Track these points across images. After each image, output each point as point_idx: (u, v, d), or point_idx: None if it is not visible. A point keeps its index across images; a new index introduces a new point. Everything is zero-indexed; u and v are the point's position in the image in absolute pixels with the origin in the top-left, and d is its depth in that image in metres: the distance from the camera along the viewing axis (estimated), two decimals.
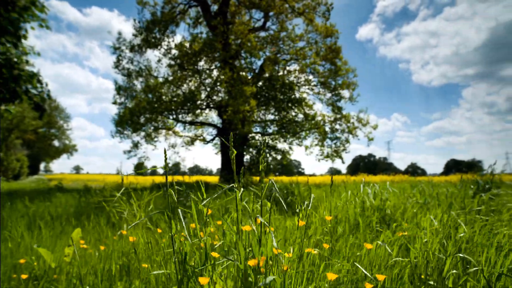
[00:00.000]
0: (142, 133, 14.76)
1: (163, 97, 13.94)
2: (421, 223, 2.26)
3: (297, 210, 1.56)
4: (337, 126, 14.90)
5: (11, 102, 10.22)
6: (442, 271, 1.53)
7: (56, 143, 44.56)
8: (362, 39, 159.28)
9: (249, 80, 13.60)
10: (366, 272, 1.38)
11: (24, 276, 1.80)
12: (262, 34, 15.22)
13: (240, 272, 1.31)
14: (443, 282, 1.50)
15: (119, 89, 14.85)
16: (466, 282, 1.51)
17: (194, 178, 10.80)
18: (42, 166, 59.34)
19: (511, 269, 1.54)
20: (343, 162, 15.46)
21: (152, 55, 41.50)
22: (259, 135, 15.95)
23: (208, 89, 14.33)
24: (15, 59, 9.84)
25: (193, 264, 1.42)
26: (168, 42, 14.57)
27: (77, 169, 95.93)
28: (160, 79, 14.83)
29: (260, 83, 14.99)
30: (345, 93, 15.08)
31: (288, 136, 15.29)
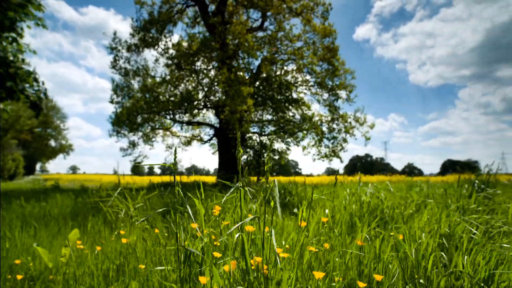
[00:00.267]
0: (140, 133, 14.71)
1: (160, 97, 13.90)
2: (417, 223, 2.27)
3: (295, 211, 1.56)
4: (334, 126, 14.94)
5: (8, 100, 10.16)
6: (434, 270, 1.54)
7: (52, 143, 44.33)
8: (359, 39, 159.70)
9: (247, 80, 13.60)
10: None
11: (19, 277, 1.79)
12: (260, 34, 15.24)
13: (241, 271, 1.30)
14: (433, 281, 1.51)
15: (116, 87, 14.80)
16: (452, 282, 1.52)
17: (192, 178, 10.78)
18: (38, 166, 58.98)
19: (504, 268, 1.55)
20: (341, 161, 15.50)
21: (150, 54, 41.39)
22: (257, 135, 15.96)
23: (206, 89, 14.31)
24: (12, 57, 9.78)
25: (195, 262, 1.42)
26: (166, 41, 14.54)
27: (74, 169, 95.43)
28: (158, 79, 14.80)
29: (258, 83, 14.99)
30: (343, 93, 15.13)
31: (286, 136, 15.31)
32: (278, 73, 15.08)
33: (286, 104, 14.99)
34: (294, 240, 1.64)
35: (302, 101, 15.29)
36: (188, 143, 16.60)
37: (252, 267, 1.34)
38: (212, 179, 16.59)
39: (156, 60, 14.89)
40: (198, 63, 14.35)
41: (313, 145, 15.10)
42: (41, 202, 5.86)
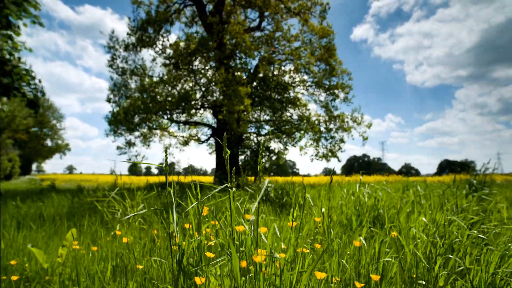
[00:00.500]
0: (137, 133, 14.66)
1: (158, 96, 13.86)
2: (414, 223, 2.27)
3: (292, 211, 1.56)
4: (332, 126, 14.97)
5: (4, 98, 10.11)
6: (432, 270, 1.55)
7: (48, 142, 44.07)
8: (356, 40, 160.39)
9: (244, 80, 13.59)
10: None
11: (15, 278, 1.78)
12: (258, 34, 15.24)
13: (234, 271, 1.30)
14: (434, 282, 1.51)
15: (114, 86, 14.73)
16: (455, 281, 1.53)
17: (189, 178, 10.75)
18: (34, 166, 58.63)
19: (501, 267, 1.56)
20: (339, 161, 15.53)
21: (147, 54, 41.22)
22: (254, 135, 15.95)
23: (203, 89, 14.29)
24: (7, 56, 9.72)
25: (189, 263, 1.41)
26: (163, 41, 14.50)
27: (70, 169, 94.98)
28: (155, 79, 14.75)
29: (255, 83, 14.99)
30: (340, 93, 15.16)
31: (283, 136, 15.32)
32: (275, 73, 15.09)
33: (284, 104, 15.00)
34: (291, 240, 1.64)
35: (300, 101, 15.30)
36: (185, 143, 16.56)
37: (250, 267, 1.34)
38: (209, 179, 16.57)
39: (154, 59, 14.85)
40: (196, 63, 14.33)
41: (310, 145, 15.13)
42: (37, 202, 5.82)
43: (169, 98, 13.81)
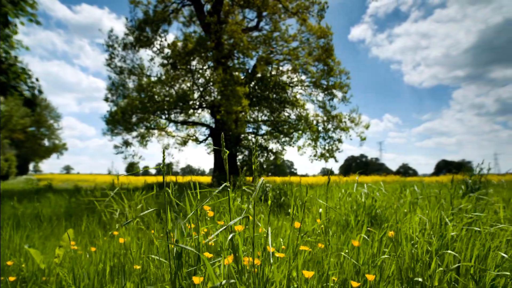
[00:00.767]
0: (134, 133, 14.63)
1: (156, 96, 13.83)
2: (411, 223, 2.29)
3: (290, 211, 1.57)
4: (330, 126, 15.00)
5: (1, 96, 10.07)
6: (428, 268, 1.55)
7: (45, 142, 43.86)
8: (354, 40, 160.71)
9: (242, 80, 13.59)
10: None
11: (12, 278, 1.77)
12: (255, 34, 15.24)
13: (232, 271, 1.30)
14: (430, 279, 1.52)
15: (112, 85, 14.68)
16: (451, 278, 1.53)
17: (187, 178, 10.74)
18: (31, 166, 58.31)
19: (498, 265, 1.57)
20: (336, 161, 15.57)
21: (145, 54, 41.04)
22: (252, 135, 15.95)
23: (201, 89, 14.28)
24: (4, 54, 9.68)
25: (186, 262, 1.41)
26: (161, 41, 14.46)
27: (67, 169, 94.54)
28: (153, 78, 14.71)
29: (253, 83, 14.99)
30: (338, 93, 15.20)
31: (281, 136, 15.33)
32: (273, 73, 15.10)
33: (282, 104, 15.01)
34: (289, 239, 1.65)
35: (298, 101, 15.32)
36: (184, 143, 16.54)
37: (247, 267, 1.34)
38: (207, 179, 16.55)
39: (152, 59, 14.81)
40: (194, 63, 14.30)
41: (308, 145, 15.15)
42: (34, 202, 5.80)
43: (167, 98, 13.79)
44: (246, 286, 1.29)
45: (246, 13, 15.38)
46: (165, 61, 14.28)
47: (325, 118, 15.00)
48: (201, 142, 16.68)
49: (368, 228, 2.25)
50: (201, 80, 14.34)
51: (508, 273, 1.45)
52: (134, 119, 13.90)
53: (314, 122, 14.88)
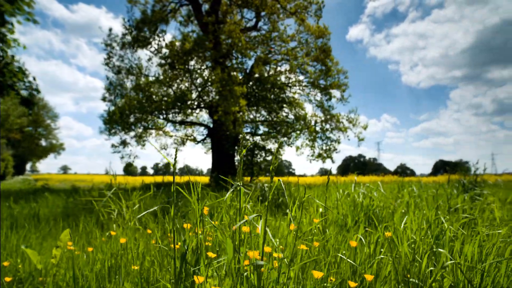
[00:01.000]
0: (132, 133, 14.59)
1: (154, 96, 13.80)
2: (408, 223, 2.30)
3: (288, 211, 1.57)
4: (328, 126, 15.02)
5: None
6: (423, 268, 1.56)
7: (43, 142, 43.64)
8: (352, 40, 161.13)
9: (240, 80, 13.59)
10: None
11: (8, 279, 1.76)
12: (254, 34, 15.24)
13: (233, 271, 1.31)
14: (425, 280, 1.53)
15: (109, 85, 14.63)
16: (443, 277, 1.54)
17: (185, 178, 10.71)
18: (28, 166, 58.02)
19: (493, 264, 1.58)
20: (333, 162, 15.61)
21: (143, 53, 41.00)
22: (250, 135, 15.95)
23: (199, 89, 14.26)
24: (0, 53, 9.63)
25: (187, 262, 1.41)
26: (159, 41, 14.43)
27: (65, 169, 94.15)
28: (151, 78, 14.68)
29: (251, 83, 14.99)
30: (336, 93, 15.23)
31: (279, 136, 15.34)
32: (271, 73, 15.10)
33: (280, 104, 15.02)
34: (288, 240, 1.65)
35: (296, 101, 15.34)
36: (182, 143, 16.52)
37: (245, 268, 1.35)
38: (205, 179, 16.53)
39: (150, 59, 14.78)
40: (192, 63, 14.29)
41: (306, 145, 15.17)
42: (31, 202, 5.77)
43: (165, 98, 13.77)
44: (246, 286, 1.29)
45: (244, 13, 15.39)
46: (163, 61, 14.26)
47: (323, 118, 15.02)
48: (199, 142, 16.67)
49: (366, 228, 2.26)
50: (199, 80, 14.33)
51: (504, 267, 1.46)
52: (132, 119, 13.87)
53: (312, 122, 14.90)
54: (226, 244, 1.23)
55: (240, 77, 14.21)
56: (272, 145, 16.22)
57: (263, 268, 1.31)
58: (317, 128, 14.92)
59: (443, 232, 2.00)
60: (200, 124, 16.24)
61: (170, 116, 15.05)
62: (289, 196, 4.93)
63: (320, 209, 2.71)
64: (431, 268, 1.53)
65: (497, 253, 1.64)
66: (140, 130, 14.64)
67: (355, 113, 14.92)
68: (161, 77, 14.18)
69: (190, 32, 14.97)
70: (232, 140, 14.12)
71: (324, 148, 15.04)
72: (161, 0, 14.49)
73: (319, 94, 15.38)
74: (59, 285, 1.78)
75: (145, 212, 1.39)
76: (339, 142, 15.00)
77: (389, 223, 2.57)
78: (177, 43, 14.02)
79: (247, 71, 14.94)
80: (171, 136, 16.46)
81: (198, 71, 14.40)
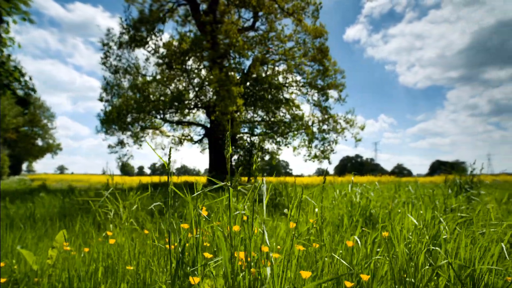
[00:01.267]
0: (129, 133, 14.54)
1: (151, 96, 13.77)
2: (404, 223, 2.30)
3: (285, 211, 1.57)
4: (325, 127, 15.06)
5: None
6: (418, 268, 1.57)
7: (39, 142, 43.38)
8: (349, 40, 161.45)
9: (238, 80, 13.59)
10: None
11: (3, 280, 1.75)
12: (251, 34, 15.25)
13: (228, 271, 1.30)
14: (421, 280, 1.54)
15: (106, 85, 14.58)
16: (438, 276, 1.55)
17: (182, 178, 10.70)
18: (24, 166, 57.66)
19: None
20: (330, 163, 15.66)
21: (141, 53, 40.81)
22: (247, 135, 15.96)
23: (197, 89, 14.24)
24: None
25: (184, 262, 1.41)
26: (156, 40, 14.39)
27: (61, 169, 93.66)
28: (148, 78, 14.64)
29: (248, 83, 15.00)
30: (333, 93, 15.27)
31: (276, 136, 15.35)
32: (269, 73, 15.11)
33: (278, 104, 15.03)
34: (285, 240, 1.65)
35: (293, 101, 15.36)
36: (179, 143, 16.49)
37: (242, 268, 1.34)
38: (202, 180, 16.52)
39: (147, 59, 14.74)
40: (189, 63, 14.27)
41: (303, 145, 15.19)
42: (27, 202, 5.74)
43: (162, 98, 13.74)
44: (242, 287, 1.29)
45: (242, 12, 15.39)
46: (161, 61, 14.23)
47: (320, 118, 15.06)
48: (196, 142, 16.65)
49: (363, 228, 2.27)
50: (196, 80, 14.32)
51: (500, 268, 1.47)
52: (129, 118, 13.83)
53: (310, 122, 14.92)
54: (221, 244, 1.23)
55: (238, 77, 14.20)
56: (269, 145, 16.23)
57: (259, 268, 1.31)
58: (315, 129, 14.94)
59: (440, 232, 2.01)
60: (197, 124, 16.22)
61: (168, 116, 15.03)
62: (286, 196, 4.93)
63: (317, 209, 2.71)
64: (427, 267, 1.54)
65: (492, 253, 1.65)
66: (138, 130, 14.61)
67: (352, 113, 14.98)
68: (159, 76, 14.15)
69: (187, 32, 14.96)
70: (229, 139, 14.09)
71: (321, 149, 15.08)
72: None
73: (316, 95, 15.41)
74: (54, 286, 1.77)
75: (142, 210, 1.38)
76: (336, 143, 15.05)
77: (386, 223, 2.58)
78: (175, 43, 13.99)
79: (245, 71, 14.94)
80: (168, 136, 16.44)
81: (196, 71, 14.38)
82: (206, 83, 13.56)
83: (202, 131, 16.51)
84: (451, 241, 1.80)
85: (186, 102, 14.29)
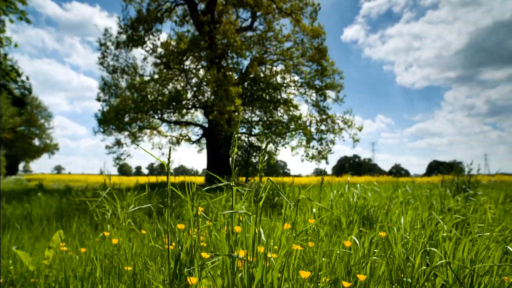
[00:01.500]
0: (126, 132, 14.50)
1: (149, 96, 13.73)
2: (401, 223, 2.31)
3: (282, 211, 1.57)
4: (323, 127, 15.08)
5: None
6: (418, 268, 1.57)
7: (36, 142, 43.14)
8: (347, 40, 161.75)
9: (236, 80, 13.58)
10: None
11: None
12: (249, 34, 15.25)
13: (226, 271, 1.30)
14: (418, 280, 1.54)
15: (104, 85, 14.52)
16: (436, 276, 1.56)
17: (180, 178, 10.68)
18: (21, 166, 57.36)
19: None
20: (327, 163, 15.69)
21: (138, 53, 40.68)
22: (245, 135, 15.95)
23: (195, 88, 14.22)
24: None
25: (181, 262, 1.41)
26: (154, 40, 14.36)
27: (58, 169, 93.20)
28: (146, 78, 14.61)
29: (246, 83, 14.99)
30: (331, 93, 15.29)
31: (274, 136, 15.36)
32: (267, 73, 15.13)
33: (275, 104, 15.04)
34: (283, 241, 1.65)
35: (291, 101, 15.37)
36: (177, 142, 16.46)
37: (240, 268, 1.34)
38: (200, 180, 16.49)
39: (145, 58, 14.70)
40: (187, 63, 14.25)
41: (301, 145, 15.21)
42: (24, 203, 5.70)
43: (160, 98, 13.71)
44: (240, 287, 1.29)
45: (240, 12, 15.39)
46: (158, 61, 14.20)
47: (318, 119, 15.08)
48: (194, 142, 16.62)
49: (360, 228, 2.27)
50: (194, 80, 14.29)
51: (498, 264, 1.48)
52: (127, 118, 13.79)
53: (307, 122, 14.94)
54: (221, 244, 1.23)
55: (236, 77, 14.20)
56: (268, 145, 16.22)
57: (257, 268, 1.31)
58: (312, 129, 14.96)
59: (437, 232, 2.02)
60: (195, 124, 16.20)
61: (165, 116, 14.99)
62: (283, 196, 4.93)
63: (314, 210, 2.72)
64: (424, 268, 1.54)
65: (489, 254, 1.66)
66: (135, 130, 14.57)
67: (350, 114, 15.01)
68: (156, 76, 14.11)
69: (185, 31, 14.94)
70: (227, 139, 14.10)
71: (318, 149, 15.10)
72: None
73: (314, 95, 15.43)
74: (51, 286, 1.76)
75: (137, 208, 1.38)
76: (333, 143, 15.08)
77: (384, 223, 2.59)
78: (173, 43, 13.96)
79: (243, 71, 14.93)
80: (166, 136, 16.40)
81: (194, 71, 14.36)
82: (204, 83, 13.54)
83: (200, 131, 16.49)
84: (448, 241, 1.81)
85: (184, 102, 14.26)
